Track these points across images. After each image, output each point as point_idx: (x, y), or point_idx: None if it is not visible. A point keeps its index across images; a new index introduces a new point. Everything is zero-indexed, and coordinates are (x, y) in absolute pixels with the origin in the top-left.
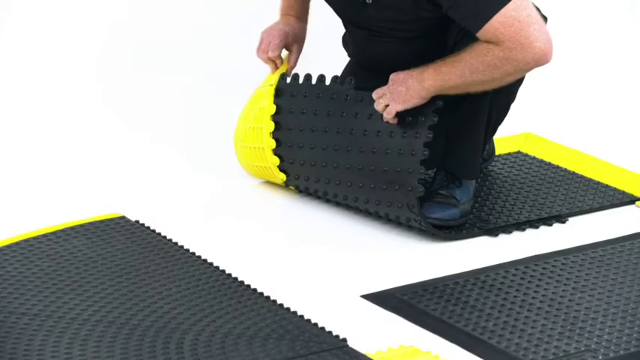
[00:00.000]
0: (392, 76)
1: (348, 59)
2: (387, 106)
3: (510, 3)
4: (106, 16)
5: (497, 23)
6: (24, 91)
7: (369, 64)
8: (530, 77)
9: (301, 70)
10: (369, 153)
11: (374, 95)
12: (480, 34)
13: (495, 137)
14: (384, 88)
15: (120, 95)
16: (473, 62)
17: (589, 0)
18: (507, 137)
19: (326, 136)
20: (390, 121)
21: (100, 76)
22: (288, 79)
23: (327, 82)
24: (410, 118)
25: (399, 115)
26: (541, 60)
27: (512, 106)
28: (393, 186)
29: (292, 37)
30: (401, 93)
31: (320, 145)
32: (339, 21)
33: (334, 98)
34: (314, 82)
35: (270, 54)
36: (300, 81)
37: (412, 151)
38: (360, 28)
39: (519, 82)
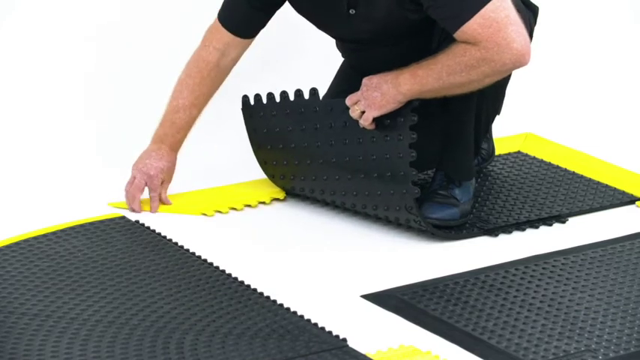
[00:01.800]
0: (365, 81)
1: (342, 59)
2: (362, 112)
3: (490, 4)
4: (102, 16)
5: (476, 24)
6: (23, 91)
7: (360, 69)
8: (529, 77)
9: (302, 69)
10: (355, 161)
11: (348, 102)
12: (457, 35)
13: (495, 137)
14: (358, 94)
15: (120, 95)
16: (450, 64)
17: (589, 0)
18: (507, 137)
19: (307, 150)
20: (368, 127)
21: (100, 76)
22: (252, 101)
23: (292, 97)
24: (388, 121)
25: (375, 119)
26: (518, 61)
27: (512, 106)
28: (388, 190)
29: (167, 172)
30: (376, 99)
31: (304, 161)
32: None
33: (303, 112)
34: (278, 99)
35: (152, 194)
36: (264, 100)
37: (399, 154)
38: (348, 41)
39: (506, 80)
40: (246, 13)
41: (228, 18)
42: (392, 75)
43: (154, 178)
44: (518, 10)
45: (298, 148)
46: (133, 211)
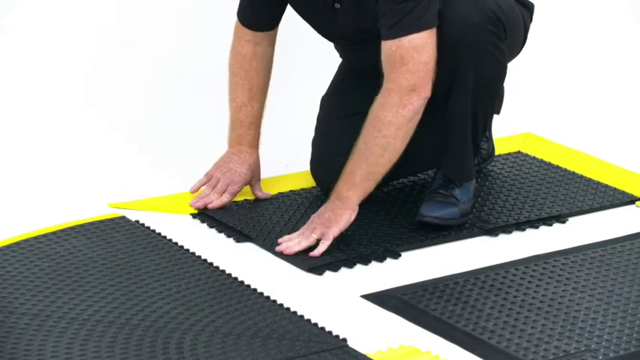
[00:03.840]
0: (312, 216)
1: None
2: (318, 241)
3: (425, 33)
4: (102, 17)
5: (409, 44)
6: (23, 91)
7: (357, 69)
8: (529, 77)
9: (300, 69)
10: None
11: (300, 238)
12: (387, 45)
13: (495, 137)
14: (308, 226)
15: (120, 95)
16: (368, 131)
17: (589, 0)
18: (507, 137)
19: None
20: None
21: (100, 76)
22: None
23: None
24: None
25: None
26: (421, 90)
27: (512, 106)
28: None
29: (252, 173)
30: (330, 217)
31: None
32: None
33: None
34: None
35: (227, 197)
36: None
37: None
38: (334, 38)
39: (504, 79)
40: (258, 7)
41: (245, 16)
42: (331, 197)
43: (235, 185)
44: (512, 9)
45: None
46: (200, 207)
